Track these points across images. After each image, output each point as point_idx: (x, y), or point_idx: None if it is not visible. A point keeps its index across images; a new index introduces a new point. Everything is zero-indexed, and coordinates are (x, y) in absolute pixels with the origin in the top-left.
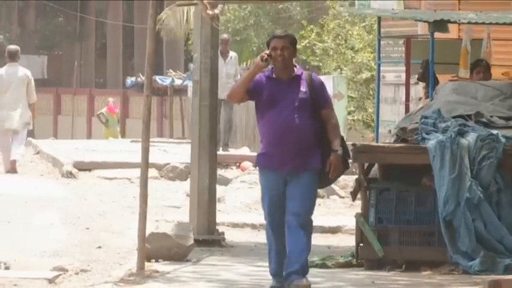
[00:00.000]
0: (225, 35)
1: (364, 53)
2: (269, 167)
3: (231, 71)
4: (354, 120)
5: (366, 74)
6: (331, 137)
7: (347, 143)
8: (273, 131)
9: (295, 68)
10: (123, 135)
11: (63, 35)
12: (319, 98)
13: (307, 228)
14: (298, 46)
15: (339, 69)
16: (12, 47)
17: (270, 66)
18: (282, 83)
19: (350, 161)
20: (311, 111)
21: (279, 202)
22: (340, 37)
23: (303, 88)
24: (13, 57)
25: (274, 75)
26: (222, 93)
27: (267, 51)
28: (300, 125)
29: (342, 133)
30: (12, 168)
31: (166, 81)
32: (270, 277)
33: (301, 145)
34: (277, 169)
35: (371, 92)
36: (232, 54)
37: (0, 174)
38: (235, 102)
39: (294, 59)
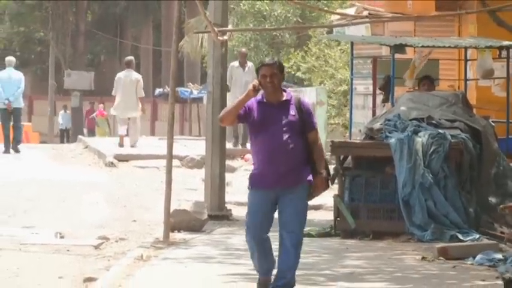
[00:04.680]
0: (243, 49)
1: (342, 71)
2: (261, 187)
3: (249, 78)
4: (335, 123)
5: (343, 87)
6: (316, 159)
7: (327, 140)
8: (264, 152)
9: (284, 93)
10: (153, 134)
11: (106, 55)
12: (306, 122)
13: (299, 246)
14: (287, 64)
15: (322, 84)
16: (128, 58)
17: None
18: (272, 107)
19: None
20: (300, 133)
21: (263, 222)
22: (320, 58)
23: (292, 111)
24: (128, 64)
25: (264, 100)
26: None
27: (257, 81)
28: (290, 145)
29: (325, 133)
30: (133, 146)
31: (186, 94)
32: None
33: (292, 164)
34: (268, 188)
35: (348, 101)
36: (249, 64)
37: (57, 165)
38: (226, 125)
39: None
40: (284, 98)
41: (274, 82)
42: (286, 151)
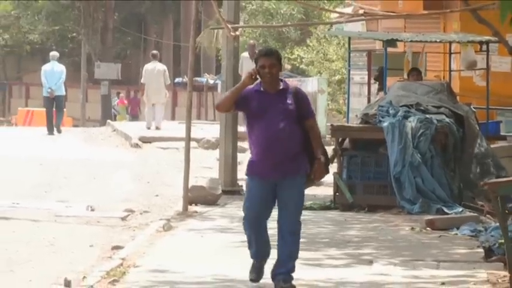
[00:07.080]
0: (251, 41)
1: (337, 63)
2: (259, 174)
3: None
4: (330, 109)
5: (337, 77)
6: (314, 145)
7: (327, 124)
8: (262, 140)
9: (281, 82)
10: (173, 118)
11: (131, 49)
12: (303, 110)
13: (298, 234)
14: (291, 56)
15: (319, 74)
16: (154, 51)
17: (258, 81)
18: (269, 96)
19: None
20: (297, 122)
21: (261, 210)
22: (319, 52)
23: (289, 100)
24: (154, 57)
25: (262, 89)
26: None
27: (254, 69)
28: (287, 134)
29: (325, 118)
30: (158, 128)
31: (203, 81)
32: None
33: (289, 152)
34: (266, 176)
35: (341, 90)
36: None
37: (88, 146)
38: (222, 112)
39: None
40: (281, 87)
41: (272, 72)
42: (283, 139)
